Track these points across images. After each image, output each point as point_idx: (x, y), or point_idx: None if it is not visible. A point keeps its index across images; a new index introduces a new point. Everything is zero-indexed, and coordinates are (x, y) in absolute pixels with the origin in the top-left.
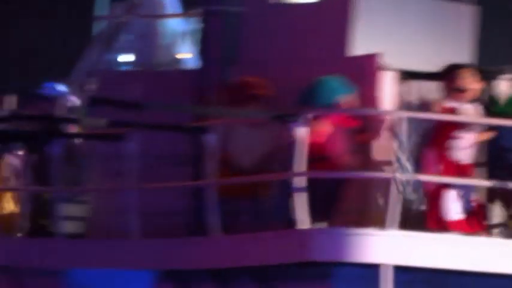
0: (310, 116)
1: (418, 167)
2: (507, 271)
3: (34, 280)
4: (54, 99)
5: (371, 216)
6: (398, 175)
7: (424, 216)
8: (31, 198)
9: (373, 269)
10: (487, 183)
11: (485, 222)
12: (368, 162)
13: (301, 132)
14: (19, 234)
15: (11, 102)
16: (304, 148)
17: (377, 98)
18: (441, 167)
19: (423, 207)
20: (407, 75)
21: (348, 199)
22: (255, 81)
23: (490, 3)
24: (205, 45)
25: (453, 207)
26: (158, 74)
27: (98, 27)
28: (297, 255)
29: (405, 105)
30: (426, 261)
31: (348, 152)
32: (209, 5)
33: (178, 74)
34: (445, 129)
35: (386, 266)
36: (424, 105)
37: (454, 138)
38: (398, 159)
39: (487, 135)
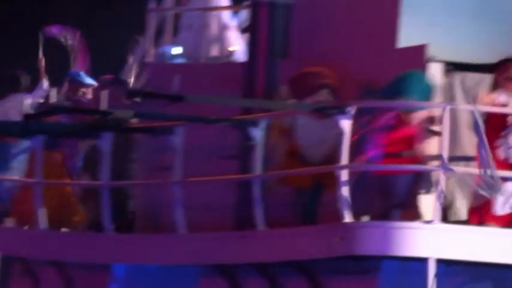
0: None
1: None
2: None
3: (81, 274)
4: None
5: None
6: (484, 171)
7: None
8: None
9: (418, 263)
10: None
11: None
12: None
13: (346, 125)
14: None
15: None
16: (348, 141)
17: None
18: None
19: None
20: (456, 67)
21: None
22: (323, 71)
23: None
24: (254, 38)
25: (502, 202)
26: (207, 66)
27: (150, 19)
28: (342, 249)
29: (451, 98)
30: (470, 254)
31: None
32: None
33: (228, 67)
34: (495, 127)
35: (431, 259)
36: (472, 98)
37: (504, 136)
38: (481, 157)
39: None
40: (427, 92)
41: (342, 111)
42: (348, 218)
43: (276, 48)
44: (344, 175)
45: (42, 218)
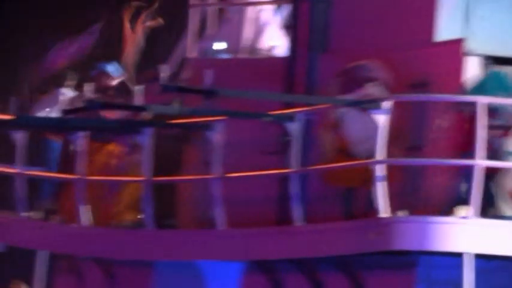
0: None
1: None
2: None
3: (124, 271)
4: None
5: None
6: None
7: None
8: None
9: (455, 258)
10: None
11: None
12: None
13: (383, 119)
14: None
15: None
16: (385, 135)
17: (461, 84)
18: None
19: None
20: (495, 61)
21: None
22: (370, 64)
23: None
24: (294, 33)
25: None
26: (249, 61)
27: (192, 14)
28: (378, 244)
29: None
30: (508, 249)
31: None
32: None
33: (269, 62)
34: None
35: (468, 254)
36: None
37: None
38: None
39: None
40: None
41: (378, 106)
42: (383, 213)
43: (316, 42)
44: (380, 170)
45: (84, 214)
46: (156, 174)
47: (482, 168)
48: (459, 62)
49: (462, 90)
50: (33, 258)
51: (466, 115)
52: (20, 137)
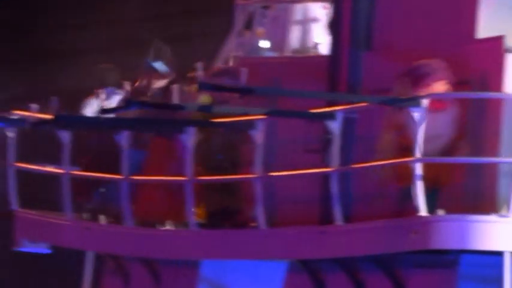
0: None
1: None
2: None
3: (170, 271)
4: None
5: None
6: None
7: None
8: None
9: (496, 257)
10: None
11: None
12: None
13: (419, 118)
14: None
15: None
16: (421, 133)
17: (502, 81)
18: None
19: None
20: None
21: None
22: (438, 63)
23: None
24: (337, 30)
25: None
26: (294, 59)
27: (237, 12)
28: (418, 243)
29: None
30: None
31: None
32: None
33: (313, 60)
34: None
35: (509, 253)
36: None
37: None
38: None
39: None
40: None
41: (416, 104)
42: (422, 211)
43: (359, 40)
44: (418, 168)
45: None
46: (215, 173)
47: None
48: (501, 59)
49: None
50: (79, 259)
51: None
52: (64, 136)
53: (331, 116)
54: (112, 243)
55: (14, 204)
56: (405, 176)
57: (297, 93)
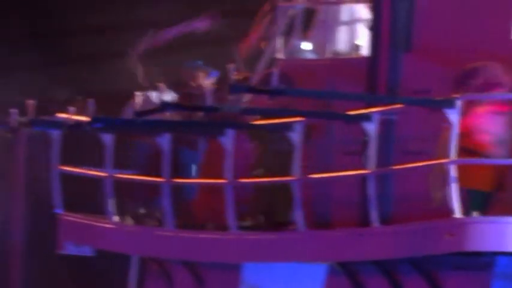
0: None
1: None
2: None
3: (213, 274)
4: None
5: None
6: None
7: None
8: None
9: None
10: None
11: None
12: None
13: (454, 119)
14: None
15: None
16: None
17: None
18: None
19: None
20: None
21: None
22: (495, 66)
23: None
24: (376, 31)
25: None
26: (334, 61)
27: (279, 14)
28: (452, 245)
29: None
30: None
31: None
32: None
33: (353, 61)
34: None
35: None
36: None
37: None
38: None
39: None
40: None
41: (451, 105)
42: (457, 213)
43: (398, 41)
44: (453, 170)
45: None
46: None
47: None
48: None
49: None
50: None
51: None
52: (107, 139)
53: (367, 117)
54: (155, 246)
55: (59, 207)
56: (474, 182)
57: (330, 95)
